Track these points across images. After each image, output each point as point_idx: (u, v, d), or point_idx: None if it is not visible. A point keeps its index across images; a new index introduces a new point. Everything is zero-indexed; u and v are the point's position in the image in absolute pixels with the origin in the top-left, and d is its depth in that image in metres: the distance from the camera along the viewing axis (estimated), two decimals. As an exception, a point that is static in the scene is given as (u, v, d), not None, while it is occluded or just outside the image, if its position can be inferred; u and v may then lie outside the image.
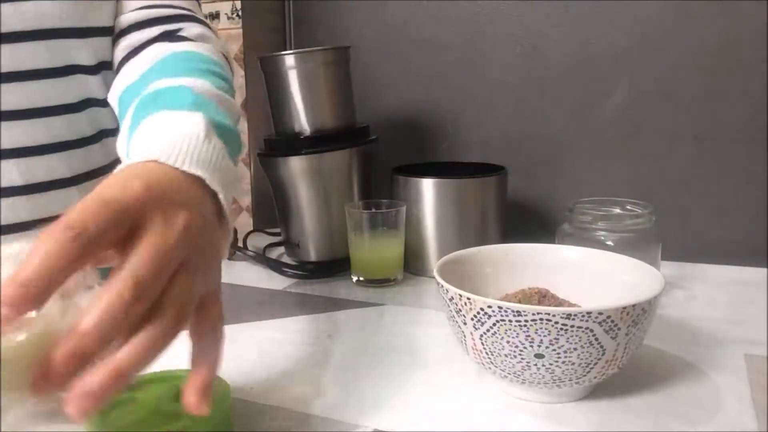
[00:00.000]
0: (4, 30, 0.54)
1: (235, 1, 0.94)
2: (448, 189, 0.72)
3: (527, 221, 0.89)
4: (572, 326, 0.38)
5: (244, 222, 0.95)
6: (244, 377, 0.47)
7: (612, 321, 0.39)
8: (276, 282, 0.72)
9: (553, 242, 0.67)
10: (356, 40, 0.87)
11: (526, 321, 0.38)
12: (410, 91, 0.95)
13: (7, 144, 0.57)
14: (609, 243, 0.62)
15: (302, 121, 0.76)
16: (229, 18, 0.96)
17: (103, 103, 0.64)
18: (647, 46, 0.81)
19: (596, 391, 0.44)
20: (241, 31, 0.95)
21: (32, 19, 0.55)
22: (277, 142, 0.78)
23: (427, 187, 0.72)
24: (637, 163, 0.82)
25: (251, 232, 0.87)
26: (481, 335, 0.41)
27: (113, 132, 0.66)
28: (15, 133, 0.57)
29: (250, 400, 0.44)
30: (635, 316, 0.39)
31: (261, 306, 0.64)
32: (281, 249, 0.84)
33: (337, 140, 0.76)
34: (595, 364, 0.40)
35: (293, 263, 0.77)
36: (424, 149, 0.95)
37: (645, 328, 0.41)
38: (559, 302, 0.48)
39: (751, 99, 0.77)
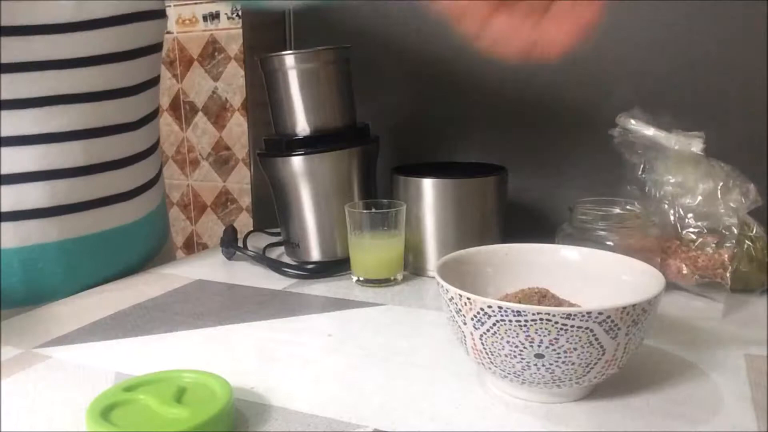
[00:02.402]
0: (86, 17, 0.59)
1: (235, 1, 0.94)
2: (448, 189, 0.72)
3: (527, 221, 0.89)
4: (572, 326, 0.38)
5: (244, 222, 0.95)
6: (244, 377, 0.47)
7: (612, 321, 0.39)
8: (276, 282, 0.72)
9: (553, 242, 0.67)
10: (356, 40, 0.87)
11: (526, 321, 0.38)
12: (410, 91, 0.95)
13: (75, 126, 0.61)
14: (609, 243, 0.62)
15: (302, 121, 0.76)
16: (229, 18, 0.96)
17: (153, 82, 0.69)
18: (647, 46, 0.81)
19: (596, 391, 0.44)
20: (241, 31, 0.95)
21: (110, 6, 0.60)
22: (277, 142, 0.78)
23: (427, 187, 0.72)
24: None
25: (251, 232, 0.87)
26: (481, 335, 0.41)
27: (154, 115, 0.69)
28: (82, 115, 0.61)
29: (251, 400, 0.44)
30: (635, 316, 0.39)
31: (261, 306, 0.64)
32: (281, 249, 0.84)
33: (337, 140, 0.76)
34: (595, 364, 0.40)
35: (293, 263, 0.77)
36: (424, 149, 0.95)
37: (645, 328, 0.41)
38: (559, 302, 0.48)
39: (752, 99, 0.77)
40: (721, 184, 0.65)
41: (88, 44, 0.60)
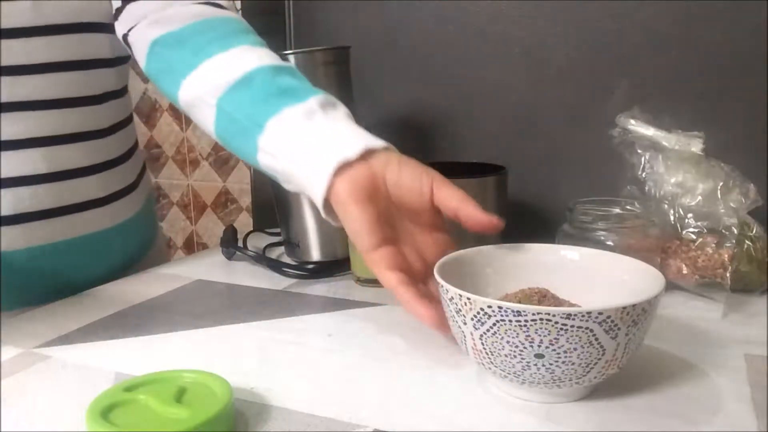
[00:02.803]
0: (42, 23, 0.58)
1: (235, 1, 0.94)
2: (448, 189, 0.71)
3: (527, 221, 0.89)
4: (572, 326, 0.38)
5: (244, 222, 0.95)
6: (244, 377, 0.47)
7: (612, 321, 0.39)
8: (276, 282, 0.72)
9: (553, 242, 0.67)
10: (356, 40, 0.87)
11: (526, 321, 0.38)
12: (410, 91, 0.95)
13: (34, 133, 0.60)
14: (609, 243, 0.62)
15: (302, 121, 0.76)
16: (229, 18, 0.96)
17: (118, 93, 0.69)
18: (647, 46, 0.81)
19: (596, 391, 0.44)
20: (241, 31, 0.95)
21: (70, 13, 0.60)
22: (277, 142, 0.77)
23: (427, 187, 0.71)
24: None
25: (251, 232, 0.87)
26: (481, 335, 0.41)
27: (126, 122, 0.68)
28: (41, 123, 0.61)
29: (251, 400, 0.44)
30: (635, 316, 0.39)
31: (261, 306, 0.64)
32: (281, 249, 0.84)
33: (337, 140, 0.76)
34: (595, 364, 0.40)
35: (293, 263, 0.77)
36: (424, 149, 0.95)
37: (645, 328, 0.41)
38: (559, 302, 0.48)
39: (752, 99, 0.77)
40: (721, 184, 0.65)
41: (44, 51, 0.60)
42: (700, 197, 0.65)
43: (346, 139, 0.51)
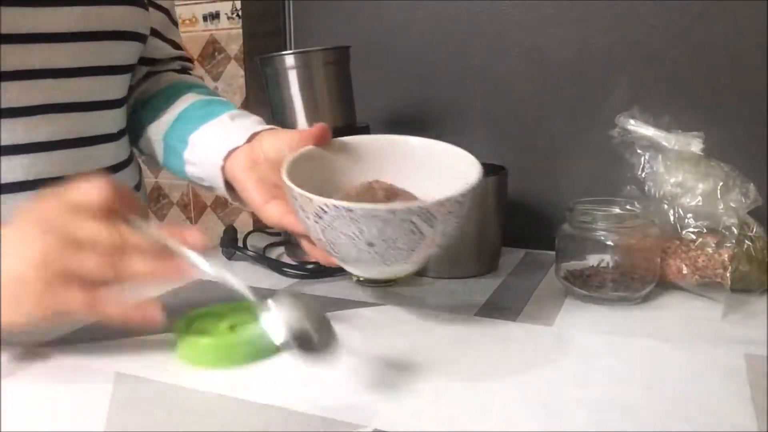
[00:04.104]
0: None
1: (235, 1, 0.95)
2: (448, 189, 0.72)
3: (527, 221, 0.89)
4: (395, 219, 0.44)
5: (244, 222, 0.95)
6: (244, 377, 0.47)
7: (429, 213, 0.44)
8: (276, 282, 0.72)
9: (553, 243, 0.67)
10: (356, 40, 0.87)
11: (357, 217, 0.44)
12: (410, 91, 0.95)
13: (58, 135, 0.61)
14: (609, 243, 0.62)
15: (302, 121, 0.76)
16: (229, 18, 0.96)
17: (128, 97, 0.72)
18: (647, 47, 0.81)
19: (596, 391, 0.44)
20: (241, 31, 0.95)
21: (116, 21, 0.63)
22: (277, 142, 0.78)
23: (427, 187, 0.72)
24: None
25: (251, 232, 0.87)
26: (322, 228, 0.47)
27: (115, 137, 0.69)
28: (63, 124, 0.62)
29: (250, 399, 0.44)
30: (450, 207, 0.46)
31: (261, 306, 0.64)
32: (281, 249, 0.84)
33: (337, 140, 0.76)
34: (417, 247, 0.46)
35: (293, 263, 0.77)
36: (424, 149, 0.95)
37: (461, 214, 0.47)
38: (396, 193, 0.53)
39: (752, 99, 0.77)
40: (720, 184, 0.65)
41: (86, 55, 0.61)
42: (699, 197, 0.65)
43: (239, 132, 0.61)
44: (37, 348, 0.54)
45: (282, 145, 0.57)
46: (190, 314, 0.55)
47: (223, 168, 0.60)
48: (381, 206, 0.44)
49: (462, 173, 0.52)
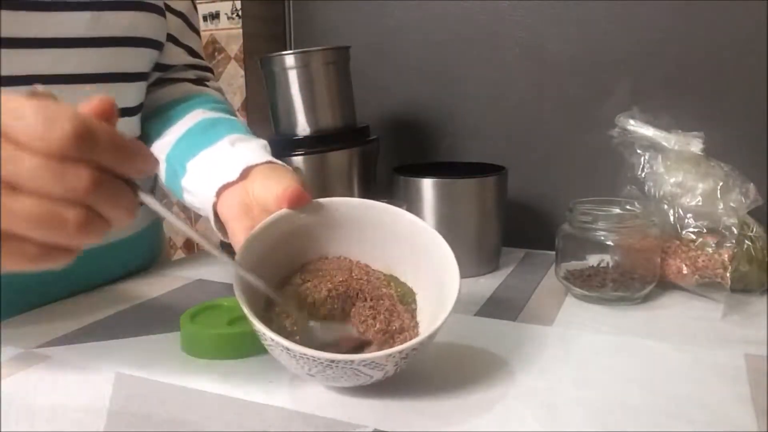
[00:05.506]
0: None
1: (235, 1, 0.95)
2: (448, 189, 0.72)
3: (527, 221, 0.90)
4: (337, 366, 0.40)
5: (244, 222, 0.95)
6: (244, 377, 0.47)
7: (377, 363, 0.41)
8: (276, 282, 0.71)
9: (553, 243, 0.67)
10: (356, 40, 0.87)
11: (296, 355, 0.40)
12: (410, 91, 0.95)
13: None
14: (609, 243, 0.62)
15: (302, 122, 0.77)
16: (229, 18, 0.96)
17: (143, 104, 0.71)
18: (647, 47, 0.81)
19: (596, 391, 0.44)
20: (241, 31, 0.95)
21: (128, 27, 0.62)
22: (277, 143, 0.78)
23: (427, 187, 0.72)
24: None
25: (251, 232, 0.87)
26: (269, 350, 0.44)
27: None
28: None
29: (250, 399, 0.44)
30: (404, 355, 0.41)
31: (261, 306, 0.64)
32: (281, 249, 0.83)
33: (338, 140, 0.76)
34: (365, 383, 0.43)
35: (293, 263, 0.77)
36: (424, 149, 0.95)
37: (420, 353, 0.43)
38: (367, 274, 0.50)
39: (752, 99, 0.77)
40: (720, 184, 0.65)
41: (97, 61, 0.60)
42: (699, 197, 0.65)
43: (233, 163, 0.56)
44: (37, 348, 0.54)
45: (269, 197, 0.51)
46: (195, 307, 0.55)
47: (215, 204, 0.57)
48: (321, 355, 0.40)
49: (441, 271, 0.48)
